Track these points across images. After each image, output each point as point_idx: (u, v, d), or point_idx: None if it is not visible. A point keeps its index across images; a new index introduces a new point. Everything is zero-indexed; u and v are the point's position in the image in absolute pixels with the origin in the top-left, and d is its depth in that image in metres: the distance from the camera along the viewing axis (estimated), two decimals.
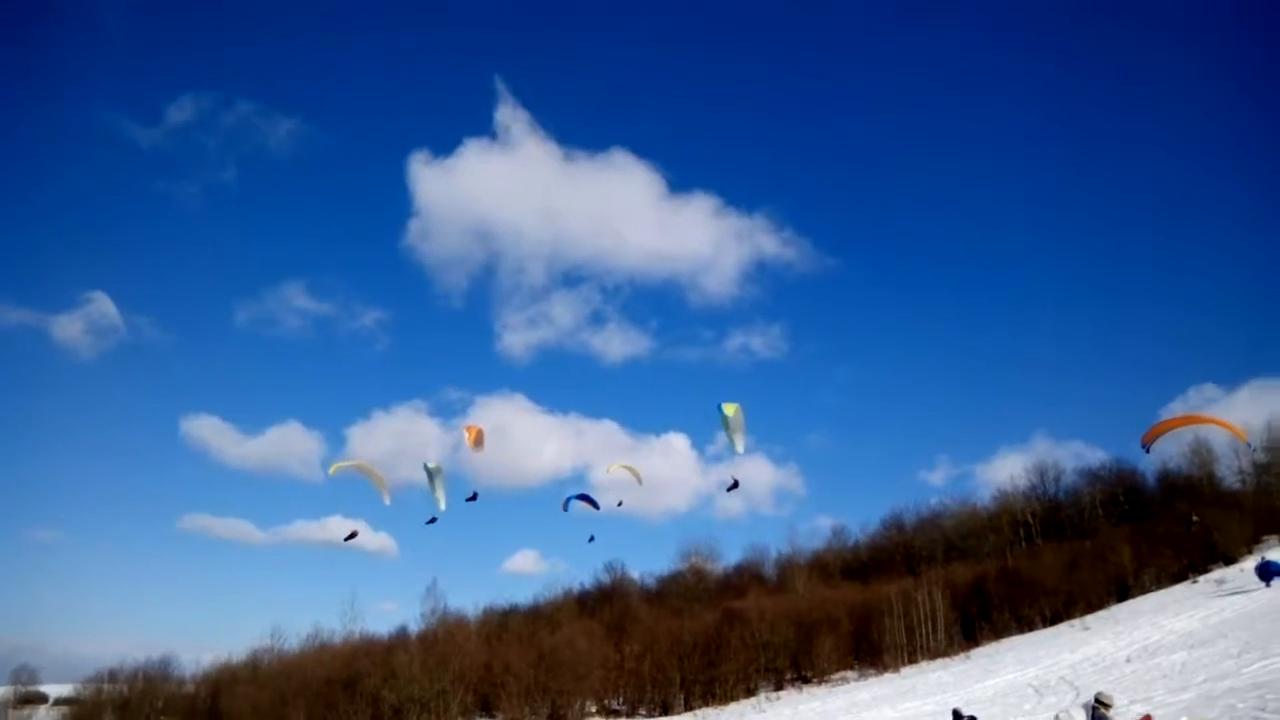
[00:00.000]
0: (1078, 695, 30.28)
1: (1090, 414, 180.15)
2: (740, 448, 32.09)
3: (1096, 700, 19.13)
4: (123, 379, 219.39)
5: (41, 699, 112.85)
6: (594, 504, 41.07)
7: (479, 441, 37.34)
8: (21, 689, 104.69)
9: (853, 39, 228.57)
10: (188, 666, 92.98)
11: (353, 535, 48.89)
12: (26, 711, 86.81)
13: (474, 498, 34.91)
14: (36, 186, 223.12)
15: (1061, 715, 19.14)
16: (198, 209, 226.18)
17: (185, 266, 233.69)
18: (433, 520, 37.46)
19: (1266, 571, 45.06)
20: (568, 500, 41.99)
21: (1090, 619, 58.79)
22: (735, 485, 33.59)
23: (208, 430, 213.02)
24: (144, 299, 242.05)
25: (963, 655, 61.91)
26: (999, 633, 65.98)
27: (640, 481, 33.04)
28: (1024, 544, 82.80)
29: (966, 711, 24.46)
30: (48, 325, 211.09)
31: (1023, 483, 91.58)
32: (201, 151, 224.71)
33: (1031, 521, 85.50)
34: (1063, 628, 59.45)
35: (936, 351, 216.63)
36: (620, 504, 39.91)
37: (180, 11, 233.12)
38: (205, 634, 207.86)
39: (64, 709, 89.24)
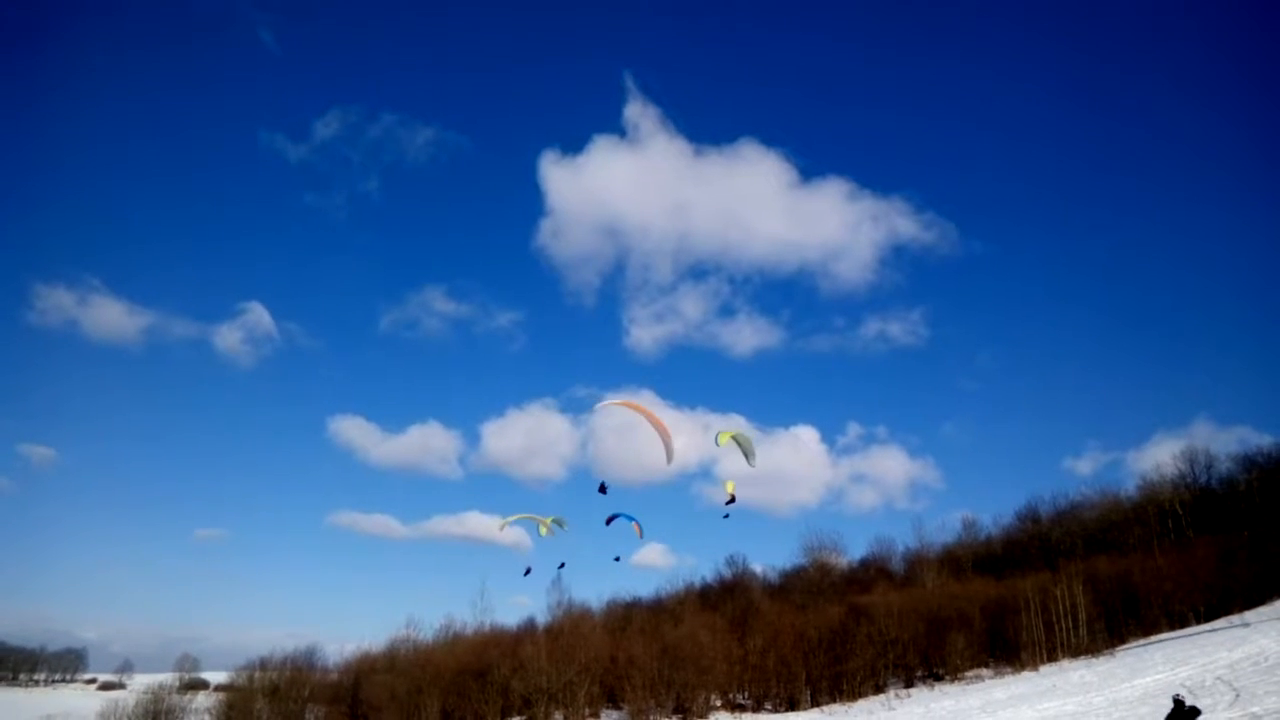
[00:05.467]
0: (1237, 697, 28.13)
1: (1257, 396, 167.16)
2: (753, 464, 31.93)
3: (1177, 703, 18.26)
4: (276, 384, 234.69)
5: (203, 685, 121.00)
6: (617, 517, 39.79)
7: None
8: (185, 676, 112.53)
9: (1000, 15, 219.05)
10: (332, 655, 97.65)
11: (528, 571, 50.81)
12: (189, 697, 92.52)
13: (603, 489, 34.43)
14: (197, 203, 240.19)
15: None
16: (343, 219, 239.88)
17: (332, 274, 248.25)
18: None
19: None
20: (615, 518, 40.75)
21: (1250, 615, 54.72)
22: (732, 500, 32.86)
23: (354, 430, 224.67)
24: (295, 307, 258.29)
25: (1107, 653, 58.68)
26: (1147, 630, 62.26)
27: (750, 459, 32.45)
28: (1172, 536, 77.74)
29: (1184, 701, 22.76)
30: (209, 335, 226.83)
31: (1171, 471, 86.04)
32: (346, 164, 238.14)
33: (1181, 512, 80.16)
34: (1219, 624, 55.62)
35: (1088, 332, 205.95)
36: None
37: (329, 31, 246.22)
38: (350, 624, 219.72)
39: (222, 695, 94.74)
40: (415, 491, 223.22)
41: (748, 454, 31.39)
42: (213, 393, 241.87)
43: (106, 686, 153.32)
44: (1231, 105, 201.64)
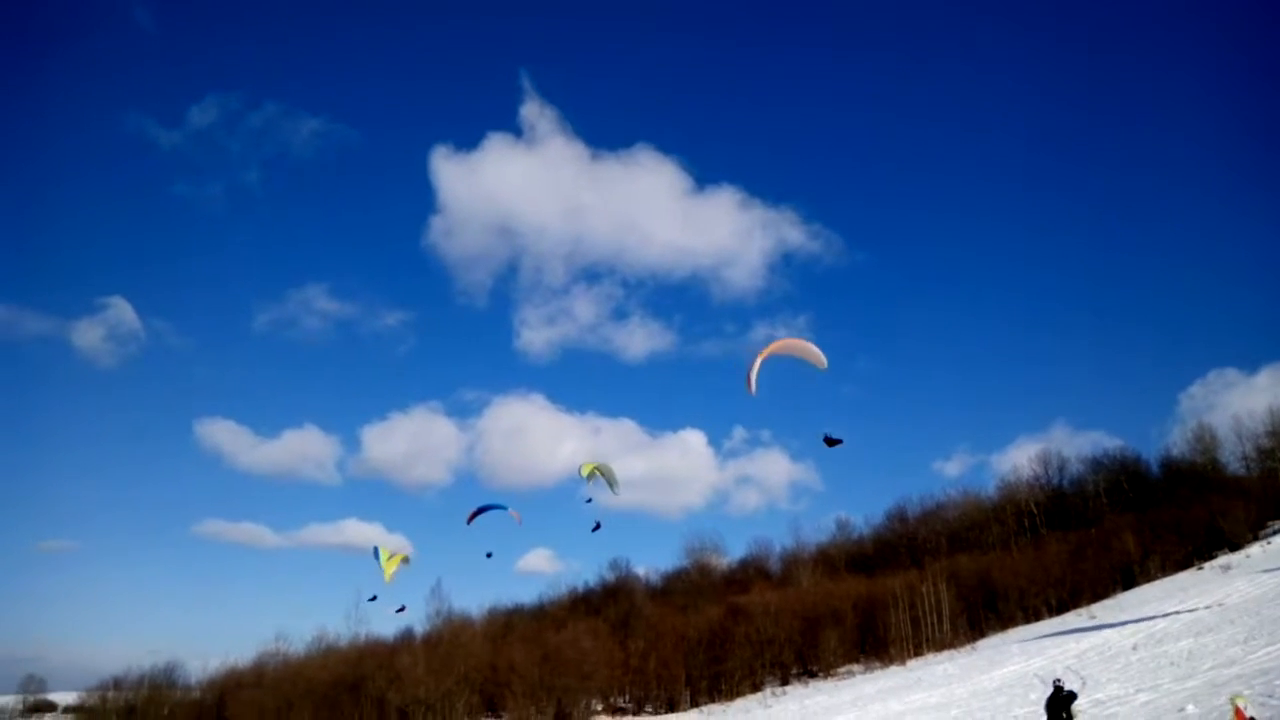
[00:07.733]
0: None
1: (1109, 403, 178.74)
2: (616, 493, 33.29)
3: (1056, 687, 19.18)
4: (140, 385, 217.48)
5: (50, 707, 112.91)
6: (483, 510, 37.98)
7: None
8: (30, 697, 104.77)
9: (887, 33, 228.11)
10: (196, 672, 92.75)
11: (402, 609, 50.48)
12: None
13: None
14: (56, 190, 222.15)
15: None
16: (219, 211, 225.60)
17: (206, 270, 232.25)
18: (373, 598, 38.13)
19: None
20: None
21: (1096, 608, 58.56)
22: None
23: (223, 434, 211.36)
24: (164, 303, 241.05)
25: (969, 646, 61.64)
26: (1005, 623, 65.72)
27: (613, 488, 33.20)
28: (1028, 534, 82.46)
29: (1063, 686, 23.50)
30: (67, 332, 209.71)
31: (1027, 473, 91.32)
32: (224, 153, 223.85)
33: (1036, 511, 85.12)
34: (1069, 617, 59.23)
35: (958, 343, 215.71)
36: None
37: (208, 13, 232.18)
38: (216, 638, 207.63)
39: (71, 716, 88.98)
40: (289, 498, 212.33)
41: (611, 483, 32.32)
42: (68, 393, 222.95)
43: None
44: (1091, 121, 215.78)
